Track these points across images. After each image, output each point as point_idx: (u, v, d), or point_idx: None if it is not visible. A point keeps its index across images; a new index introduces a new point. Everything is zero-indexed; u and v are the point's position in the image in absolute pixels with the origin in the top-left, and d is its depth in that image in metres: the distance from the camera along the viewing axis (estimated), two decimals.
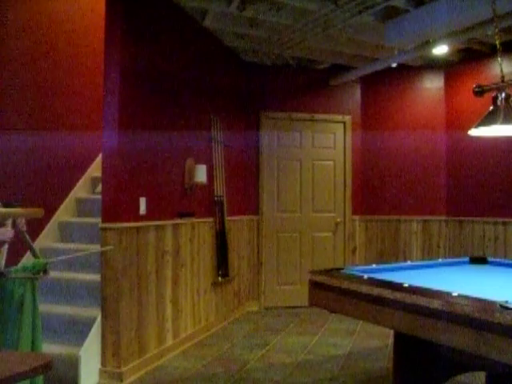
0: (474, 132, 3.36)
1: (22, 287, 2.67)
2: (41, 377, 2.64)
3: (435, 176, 6.09)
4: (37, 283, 2.76)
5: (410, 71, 6.18)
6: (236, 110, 5.69)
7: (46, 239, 4.55)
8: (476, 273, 3.15)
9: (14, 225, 2.74)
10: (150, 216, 3.94)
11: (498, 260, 3.55)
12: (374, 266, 3.24)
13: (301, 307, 5.67)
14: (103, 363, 3.66)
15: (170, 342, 4.20)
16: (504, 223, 5.34)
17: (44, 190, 4.51)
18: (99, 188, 4.38)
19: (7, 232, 2.65)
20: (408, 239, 6.11)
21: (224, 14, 4.57)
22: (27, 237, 2.84)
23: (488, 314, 1.86)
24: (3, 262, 2.68)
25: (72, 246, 4.49)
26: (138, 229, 3.82)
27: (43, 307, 3.94)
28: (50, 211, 4.60)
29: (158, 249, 4.06)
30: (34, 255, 2.85)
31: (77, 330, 3.71)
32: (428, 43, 4.84)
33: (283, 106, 6.10)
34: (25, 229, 2.81)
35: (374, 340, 4.56)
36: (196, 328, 4.65)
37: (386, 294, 2.34)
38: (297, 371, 3.80)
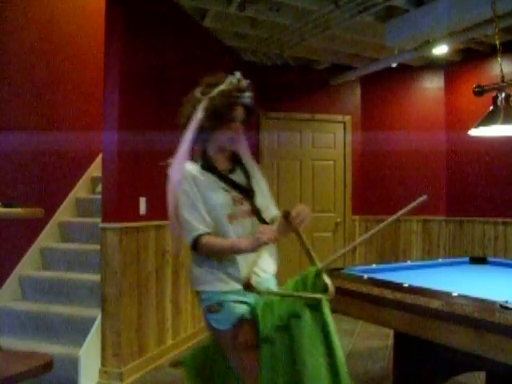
0: (474, 132, 3.36)
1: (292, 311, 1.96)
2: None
3: (435, 176, 6.09)
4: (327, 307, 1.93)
5: (410, 71, 6.18)
6: None
7: (45, 239, 4.56)
8: (476, 273, 3.15)
9: (287, 219, 2.04)
10: (149, 216, 3.94)
11: (498, 260, 3.55)
12: (373, 265, 3.24)
13: None
14: (103, 363, 3.66)
15: (169, 341, 4.20)
16: (504, 223, 5.34)
17: (44, 190, 4.51)
18: (99, 188, 4.38)
19: (268, 231, 1.93)
20: (408, 239, 6.11)
21: (224, 14, 4.57)
22: (304, 237, 2.09)
23: (488, 314, 1.86)
24: (249, 272, 1.89)
25: (72, 246, 4.49)
26: (138, 229, 3.82)
27: (43, 307, 3.95)
28: (50, 211, 4.60)
29: (158, 249, 4.06)
30: (313, 262, 2.10)
31: (77, 330, 3.71)
32: (428, 43, 4.84)
33: (283, 106, 6.09)
34: (301, 227, 2.07)
35: (374, 340, 4.56)
36: (196, 328, 4.64)
37: (386, 294, 2.33)
38: None
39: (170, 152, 4.36)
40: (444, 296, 2.14)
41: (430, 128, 6.10)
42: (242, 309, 2.03)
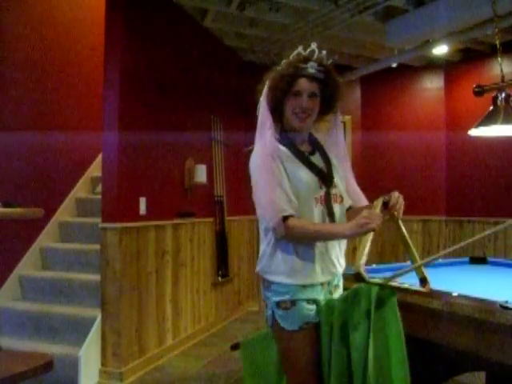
0: (473, 132, 3.36)
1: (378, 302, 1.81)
2: None
3: (435, 176, 6.09)
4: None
5: (410, 71, 6.18)
6: (236, 110, 5.69)
7: (45, 239, 4.56)
8: (476, 273, 3.15)
9: (386, 206, 1.93)
10: (150, 216, 3.94)
11: (498, 260, 3.55)
12: (373, 266, 3.24)
13: None
14: (103, 363, 3.66)
15: (169, 341, 4.20)
16: (504, 223, 5.33)
17: (44, 190, 4.51)
18: (99, 188, 4.38)
19: (376, 217, 1.80)
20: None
21: (224, 14, 4.57)
22: (403, 229, 1.95)
23: (488, 314, 1.85)
24: (363, 260, 1.76)
25: (72, 246, 4.49)
26: (138, 229, 3.82)
27: (43, 307, 3.95)
28: (50, 211, 4.60)
29: (158, 249, 4.06)
30: (412, 258, 2.00)
31: (77, 330, 3.71)
32: (428, 43, 4.83)
33: None
34: (400, 215, 1.95)
35: None
36: (196, 328, 4.65)
37: None
38: None
39: (170, 151, 4.37)
40: (444, 296, 2.14)
41: (430, 128, 6.10)
42: (312, 310, 1.90)
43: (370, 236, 1.78)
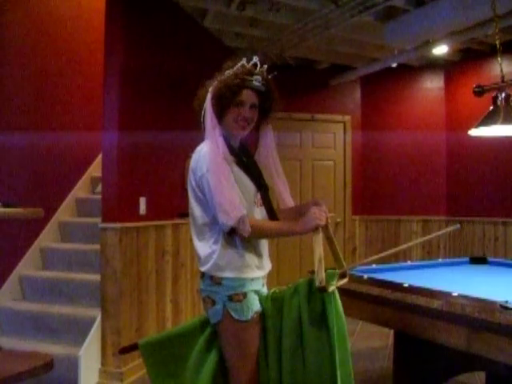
0: (474, 132, 3.36)
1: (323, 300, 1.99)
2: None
3: (435, 176, 6.09)
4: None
5: (410, 71, 6.18)
6: None
7: (45, 239, 4.56)
8: (476, 273, 3.15)
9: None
10: (149, 216, 3.94)
11: (498, 260, 3.55)
12: (373, 266, 3.24)
13: None
14: (103, 363, 3.66)
15: None
16: (504, 223, 5.34)
17: (44, 190, 4.51)
18: (99, 188, 4.38)
19: (323, 214, 1.95)
20: (408, 239, 6.10)
21: (224, 14, 4.57)
22: (331, 231, 2.05)
23: (488, 314, 1.86)
24: (323, 273, 1.86)
25: (72, 246, 4.49)
26: (138, 229, 3.82)
27: (43, 307, 3.95)
28: (50, 211, 4.60)
29: (158, 249, 4.06)
30: (337, 259, 2.08)
31: (77, 330, 3.72)
32: (428, 43, 4.83)
33: (283, 106, 6.08)
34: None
35: (374, 340, 4.56)
36: None
37: (386, 293, 2.34)
38: None
39: (170, 151, 4.37)
40: (444, 296, 2.14)
41: (430, 128, 6.10)
42: (257, 300, 2.03)
43: (321, 243, 1.91)
